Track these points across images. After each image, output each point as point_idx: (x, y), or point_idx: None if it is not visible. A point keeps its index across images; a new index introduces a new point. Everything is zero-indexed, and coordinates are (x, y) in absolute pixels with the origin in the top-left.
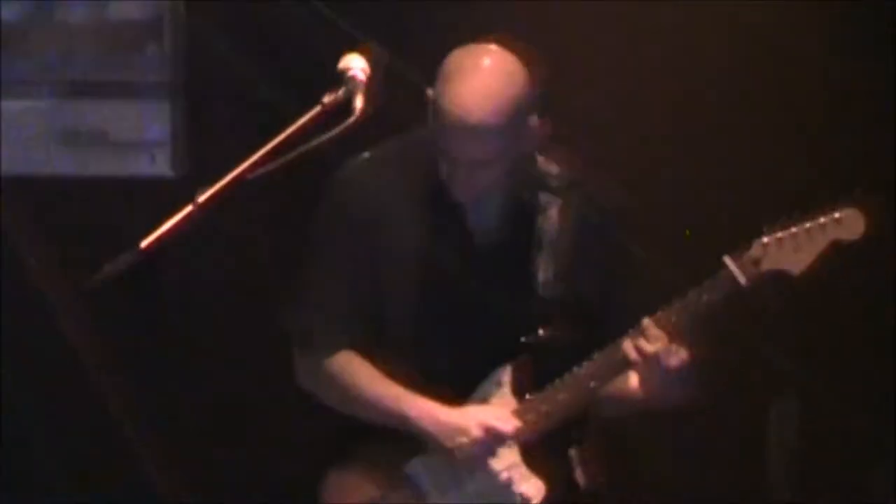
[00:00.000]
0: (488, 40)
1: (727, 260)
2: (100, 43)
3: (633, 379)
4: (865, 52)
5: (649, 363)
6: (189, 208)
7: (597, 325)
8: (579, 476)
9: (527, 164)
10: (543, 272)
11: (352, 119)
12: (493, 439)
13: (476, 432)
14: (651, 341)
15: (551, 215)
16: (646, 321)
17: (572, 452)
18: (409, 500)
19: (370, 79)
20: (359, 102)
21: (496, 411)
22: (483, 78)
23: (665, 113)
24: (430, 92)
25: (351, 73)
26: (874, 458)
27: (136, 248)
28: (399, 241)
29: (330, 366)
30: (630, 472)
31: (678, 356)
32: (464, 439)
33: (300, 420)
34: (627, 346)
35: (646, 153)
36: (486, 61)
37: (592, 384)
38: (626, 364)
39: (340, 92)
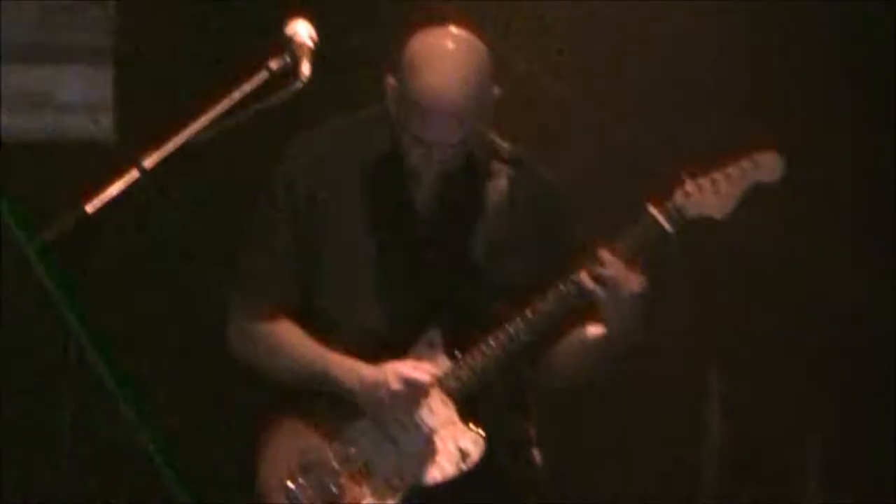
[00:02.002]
0: (443, 23)
1: (650, 207)
2: (43, 5)
3: (583, 331)
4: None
5: (608, 289)
6: (135, 173)
7: (527, 293)
8: (536, 455)
9: (481, 132)
10: (482, 238)
11: (298, 84)
12: (412, 389)
13: (394, 384)
14: (608, 266)
15: (500, 183)
16: (601, 250)
17: (530, 431)
18: (346, 460)
19: (316, 45)
20: (305, 69)
21: (412, 363)
22: (455, 62)
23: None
24: (391, 79)
25: (298, 38)
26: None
27: (80, 210)
28: (343, 212)
29: (259, 328)
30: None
31: (637, 279)
32: (382, 392)
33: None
34: (583, 276)
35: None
36: (454, 45)
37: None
38: (580, 296)
39: (287, 57)
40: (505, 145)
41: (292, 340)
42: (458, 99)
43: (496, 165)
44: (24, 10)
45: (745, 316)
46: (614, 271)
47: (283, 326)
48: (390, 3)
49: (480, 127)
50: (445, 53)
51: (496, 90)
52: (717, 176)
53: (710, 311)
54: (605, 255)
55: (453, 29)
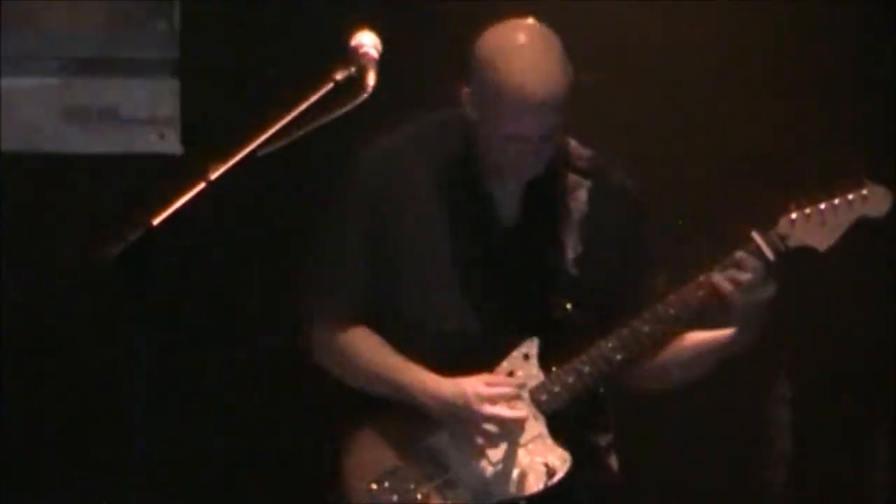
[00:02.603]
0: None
1: (755, 234)
2: (109, 19)
3: (690, 336)
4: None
5: (746, 293)
6: (201, 185)
7: (616, 306)
8: (613, 462)
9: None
10: (571, 250)
11: (363, 96)
12: (499, 409)
13: (476, 404)
14: (745, 270)
15: (579, 196)
16: (739, 253)
17: (607, 438)
18: (430, 471)
19: (381, 56)
20: (371, 79)
21: (495, 378)
22: (540, 53)
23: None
24: (465, 88)
25: (363, 49)
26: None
27: (146, 224)
28: (422, 217)
29: (342, 339)
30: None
31: (772, 285)
32: (464, 412)
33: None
34: (718, 278)
35: (662, 143)
36: (535, 36)
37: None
38: (707, 300)
39: (352, 69)
40: (584, 152)
41: (371, 349)
42: (548, 87)
43: (575, 175)
44: (91, 25)
45: (815, 321)
46: (752, 276)
47: (360, 335)
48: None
49: (565, 121)
50: (524, 45)
51: (572, 72)
52: (825, 207)
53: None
54: (743, 258)
55: (520, 21)
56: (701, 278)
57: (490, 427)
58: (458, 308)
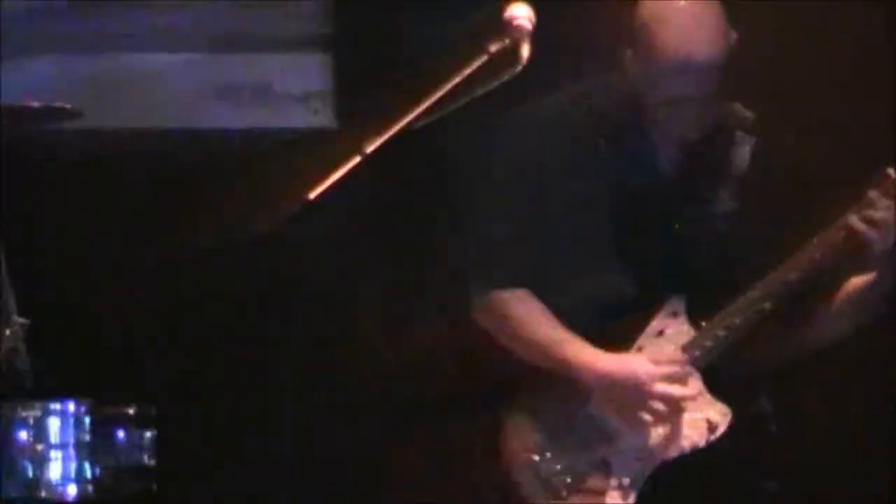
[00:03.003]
0: None
1: (890, 171)
2: None
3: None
4: None
5: (882, 230)
6: (357, 158)
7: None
8: (774, 430)
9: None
10: (722, 206)
11: (516, 68)
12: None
13: (645, 382)
14: (879, 208)
15: (742, 152)
16: (872, 191)
17: (764, 402)
18: (591, 437)
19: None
20: (524, 51)
21: (664, 355)
22: (698, 14)
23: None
24: (628, 51)
25: (517, 21)
26: None
27: (304, 198)
28: (578, 178)
29: (505, 304)
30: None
31: None
32: (632, 390)
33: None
34: (853, 218)
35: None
36: (692, 2)
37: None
38: (849, 242)
39: (506, 40)
40: (748, 114)
41: (534, 319)
42: (710, 47)
43: (739, 135)
44: (244, 2)
45: None
46: (887, 213)
47: (523, 301)
48: None
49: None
50: (684, 7)
51: (733, 33)
52: None
53: None
54: (875, 196)
55: None
56: (839, 221)
57: (660, 406)
58: (613, 265)
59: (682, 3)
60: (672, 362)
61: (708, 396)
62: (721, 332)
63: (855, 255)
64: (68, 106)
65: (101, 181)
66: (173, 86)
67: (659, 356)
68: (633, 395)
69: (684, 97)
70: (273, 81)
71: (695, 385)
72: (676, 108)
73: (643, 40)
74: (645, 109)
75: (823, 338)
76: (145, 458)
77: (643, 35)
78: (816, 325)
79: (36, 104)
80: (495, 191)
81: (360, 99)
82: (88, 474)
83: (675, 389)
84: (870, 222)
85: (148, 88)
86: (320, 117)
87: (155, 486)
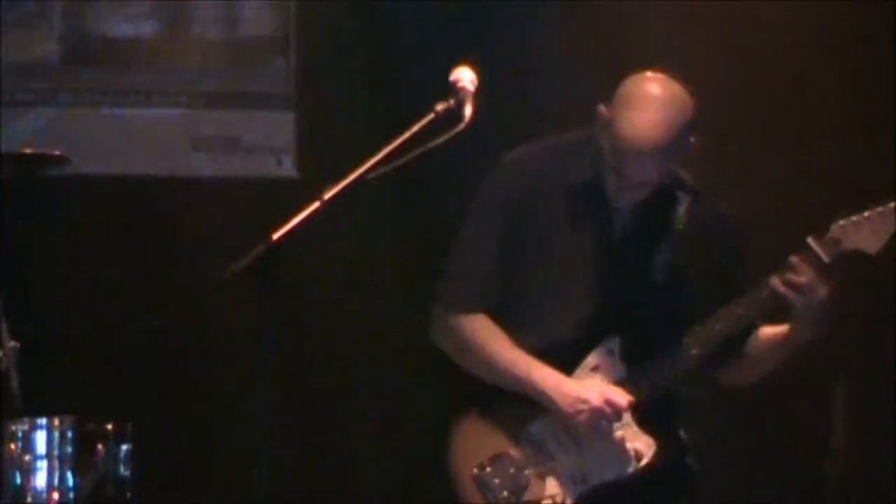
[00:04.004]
0: (656, 69)
1: (810, 240)
2: (232, 58)
3: (762, 333)
4: None
5: (802, 294)
6: (316, 204)
7: (696, 311)
8: (690, 461)
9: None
10: (664, 260)
11: (461, 126)
12: (611, 410)
13: (596, 402)
14: (800, 274)
15: (681, 209)
16: (793, 258)
17: (683, 435)
18: (531, 456)
19: (477, 90)
20: (468, 111)
21: (613, 387)
22: (659, 108)
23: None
24: (603, 110)
25: (461, 84)
26: None
27: (268, 240)
28: (545, 223)
29: (466, 326)
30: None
31: (825, 286)
32: (584, 407)
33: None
34: (776, 281)
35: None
36: (661, 91)
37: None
38: (771, 301)
39: (452, 101)
40: (686, 177)
41: (493, 339)
42: (658, 142)
43: (679, 195)
44: (216, 63)
45: (870, 329)
46: (806, 278)
47: (484, 325)
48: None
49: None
50: (651, 98)
51: (694, 139)
52: (872, 214)
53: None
54: (798, 263)
55: (661, 76)
56: (763, 281)
57: (602, 422)
58: (561, 306)
59: (656, 93)
60: (623, 397)
61: (635, 428)
62: (652, 373)
63: (776, 311)
64: (58, 153)
65: (87, 220)
66: (154, 138)
67: (611, 389)
68: (585, 415)
69: (625, 176)
70: (242, 135)
71: (624, 417)
72: (618, 179)
73: (613, 110)
74: (605, 164)
75: (743, 379)
76: (121, 469)
77: (615, 106)
78: (734, 369)
79: (30, 150)
80: (470, 222)
81: (319, 152)
82: (70, 483)
83: (618, 397)
84: (790, 285)
85: (132, 140)
86: (284, 168)
87: (129, 495)
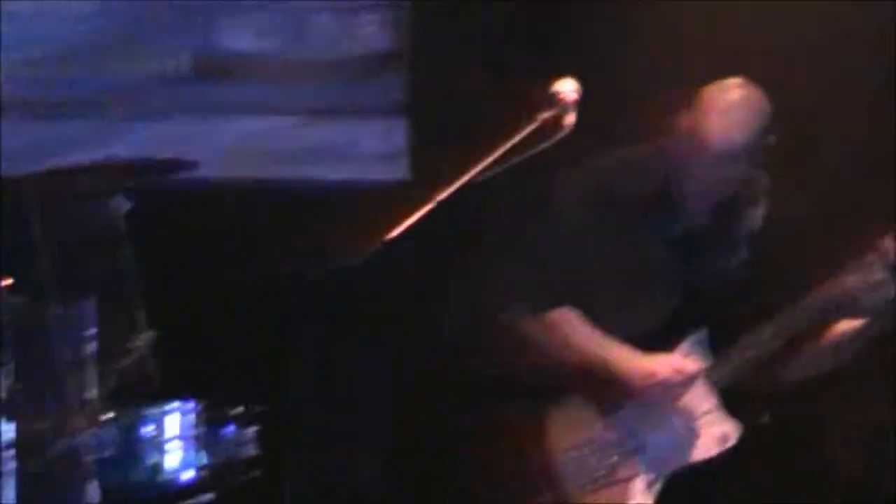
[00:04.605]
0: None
1: (886, 241)
2: (346, 69)
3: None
4: None
5: (874, 291)
6: (429, 206)
7: (775, 305)
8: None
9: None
10: (740, 257)
11: (561, 134)
12: (682, 379)
13: (665, 372)
14: (873, 272)
15: (757, 212)
16: (868, 257)
17: (766, 418)
18: (622, 439)
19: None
20: (569, 119)
21: (682, 358)
22: (744, 111)
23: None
24: (681, 119)
25: (562, 94)
26: None
27: (382, 240)
28: (622, 225)
29: (550, 317)
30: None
31: (891, 286)
32: (654, 379)
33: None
34: (851, 279)
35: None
36: (743, 95)
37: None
38: (845, 297)
39: (554, 110)
40: (760, 177)
41: (576, 327)
42: (744, 144)
43: (756, 196)
44: (332, 74)
45: None
46: (880, 276)
47: (565, 317)
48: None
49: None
50: (736, 103)
51: (771, 138)
52: None
53: None
54: (871, 259)
55: (741, 81)
56: (838, 278)
57: (677, 391)
58: (644, 303)
59: (737, 99)
60: (691, 365)
61: (722, 413)
62: (737, 361)
63: (849, 307)
64: (187, 159)
65: (213, 221)
66: (278, 145)
67: (679, 360)
68: (663, 390)
69: (709, 179)
70: (357, 142)
71: (712, 402)
72: (700, 183)
73: (695, 118)
74: (684, 171)
75: (808, 371)
76: (250, 448)
77: (696, 113)
78: (805, 360)
79: (161, 157)
80: (552, 225)
81: (430, 156)
82: (202, 462)
83: (685, 363)
84: (865, 283)
85: (253, 147)
86: (397, 172)
87: (258, 474)
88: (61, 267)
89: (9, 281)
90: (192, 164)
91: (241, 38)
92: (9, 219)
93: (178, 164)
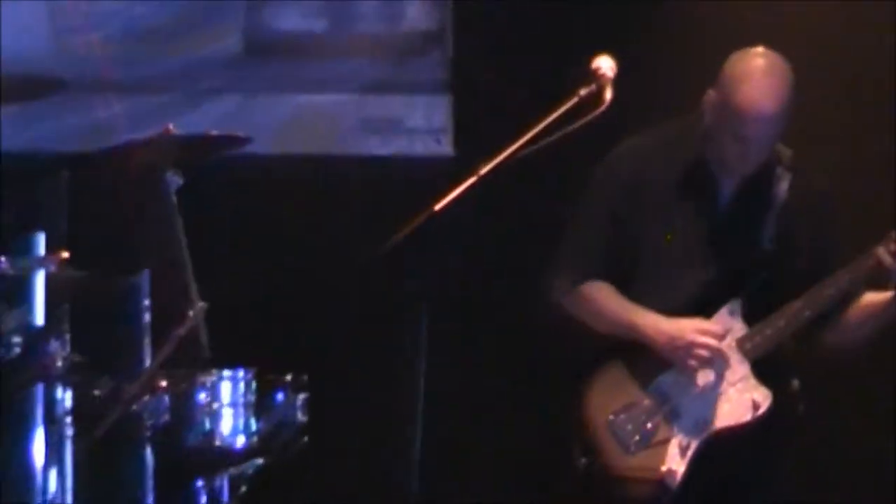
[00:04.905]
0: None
1: None
2: (394, 49)
3: (865, 301)
4: None
5: None
6: (473, 178)
7: (804, 276)
8: (802, 407)
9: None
10: (769, 230)
11: (601, 109)
12: (706, 340)
13: (689, 334)
14: None
15: (783, 185)
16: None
17: (796, 384)
18: (660, 405)
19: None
20: (607, 95)
21: (707, 321)
22: (771, 76)
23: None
24: (711, 93)
25: (602, 70)
26: None
27: (430, 210)
28: (657, 200)
29: (583, 290)
30: None
31: None
32: (680, 343)
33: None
34: (881, 252)
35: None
36: (768, 62)
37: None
38: (875, 270)
39: (593, 86)
40: (787, 152)
41: (607, 297)
42: (774, 104)
43: (779, 170)
44: (380, 53)
45: None
46: None
47: (600, 287)
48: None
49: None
50: (764, 69)
51: (793, 95)
52: None
53: None
54: None
55: (764, 50)
56: (869, 251)
57: (700, 352)
58: (680, 274)
59: (764, 65)
60: (715, 325)
61: (753, 381)
62: (768, 331)
63: (880, 279)
64: (241, 134)
65: (267, 194)
66: (330, 121)
67: (704, 322)
68: (683, 344)
69: (748, 139)
70: (404, 118)
71: (744, 370)
72: (736, 147)
73: (726, 88)
74: (713, 145)
75: (844, 341)
76: (299, 415)
77: (727, 84)
78: (839, 330)
79: (216, 132)
80: (587, 205)
81: (473, 132)
82: (253, 428)
83: (712, 341)
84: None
85: (306, 123)
86: (442, 146)
87: (306, 438)
88: (117, 239)
89: (66, 254)
90: (243, 141)
91: (291, 18)
92: (70, 194)
93: (231, 141)
